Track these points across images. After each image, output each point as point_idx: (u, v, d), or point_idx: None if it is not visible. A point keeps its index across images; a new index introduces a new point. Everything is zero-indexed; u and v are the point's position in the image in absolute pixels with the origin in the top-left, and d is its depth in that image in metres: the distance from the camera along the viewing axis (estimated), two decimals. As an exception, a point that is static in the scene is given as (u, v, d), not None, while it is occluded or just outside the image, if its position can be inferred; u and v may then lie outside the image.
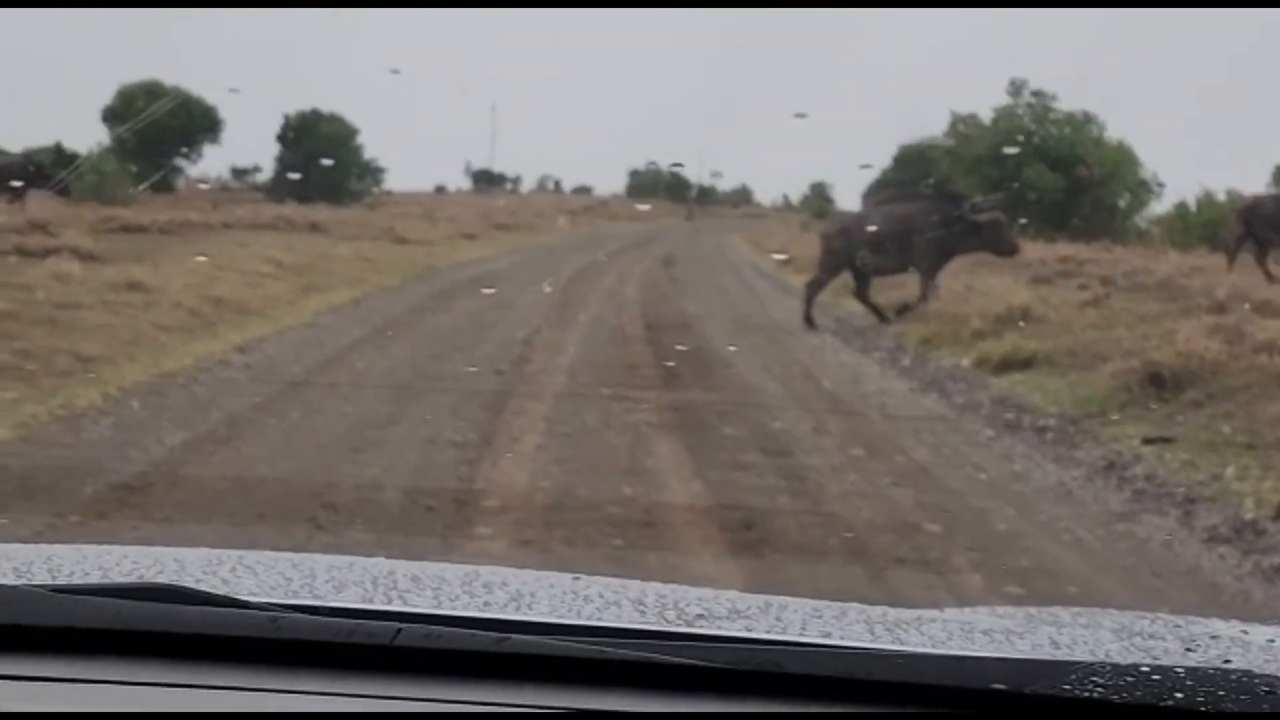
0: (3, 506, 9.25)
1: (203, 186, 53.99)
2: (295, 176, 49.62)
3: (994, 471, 11.88)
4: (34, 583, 2.02)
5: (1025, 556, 9.06)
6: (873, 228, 24.91)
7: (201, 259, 24.49)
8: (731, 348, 19.84)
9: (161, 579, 2.08)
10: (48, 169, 40.05)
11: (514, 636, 1.85)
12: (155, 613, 1.87)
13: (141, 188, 39.93)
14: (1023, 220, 40.97)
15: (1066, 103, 49.86)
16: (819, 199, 78.55)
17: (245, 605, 1.94)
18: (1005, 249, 26.10)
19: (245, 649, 1.85)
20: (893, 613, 2.21)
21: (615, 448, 12.08)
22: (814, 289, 24.70)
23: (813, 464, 11.74)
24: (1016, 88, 49.62)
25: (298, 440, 11.85)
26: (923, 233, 24.59)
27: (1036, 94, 49.61)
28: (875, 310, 24.57)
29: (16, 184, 38.49)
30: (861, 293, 25.05)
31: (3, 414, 12.05)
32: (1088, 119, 49.72)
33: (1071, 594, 8.10)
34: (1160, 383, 14.58)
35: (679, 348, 19.38)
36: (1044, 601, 6.53)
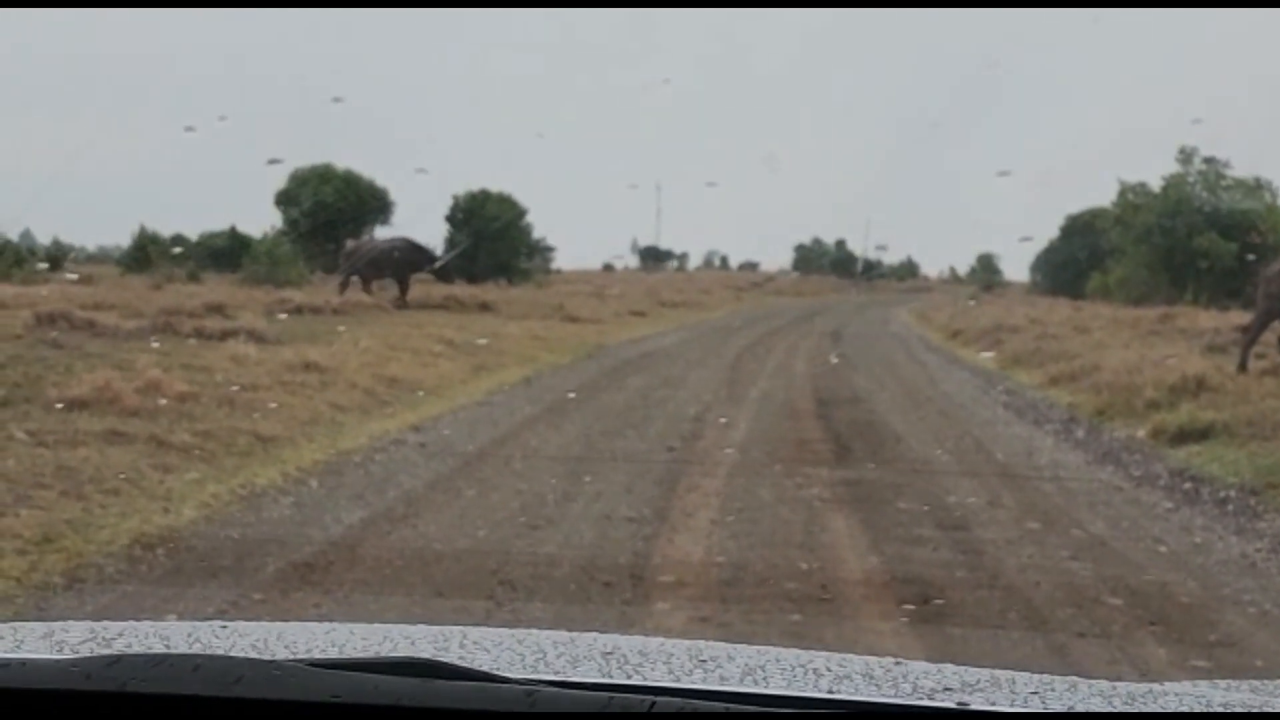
0: (189, 585, 9.42)
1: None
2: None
3: (1174, 544, 11.72)
4: (279, 658, 2.04)
5: (1210, 630, 8.93)
6: None
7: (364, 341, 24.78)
8: (902, 421, 19.76)
9: (395, 655, 2.10)
10: (423, 252, 40.50)
11: (768, 710, 1.85)
12: (414, 688, 1.87)
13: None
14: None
15: (1239, 169, 49.34)
16: (986, 271, 78.13)
17: (499, 679, 1.96)
18: None
19: None
20: (1122, 686, 2.20)
21: (789, 523, 12.06)
22: (1252, 335, 23.98)
23: (989, 537, 11.65)
24: (1187, 155, 49.16)
25: (473, 517, 11.94)
26: None
27: (1208, 161, 49.12)
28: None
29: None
30: (1252, 340, 24.16)
31: (187, 494, 12.28)
32: (1260, 185, 49.13)
33: (1259, 668, 7.97)
34: (1345, 452, 14.33)
35: (849, 422, 19.34)
36: (1230, 675, 6.43)
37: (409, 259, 39.20)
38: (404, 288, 38.75)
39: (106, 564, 9.89)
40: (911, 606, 9.24)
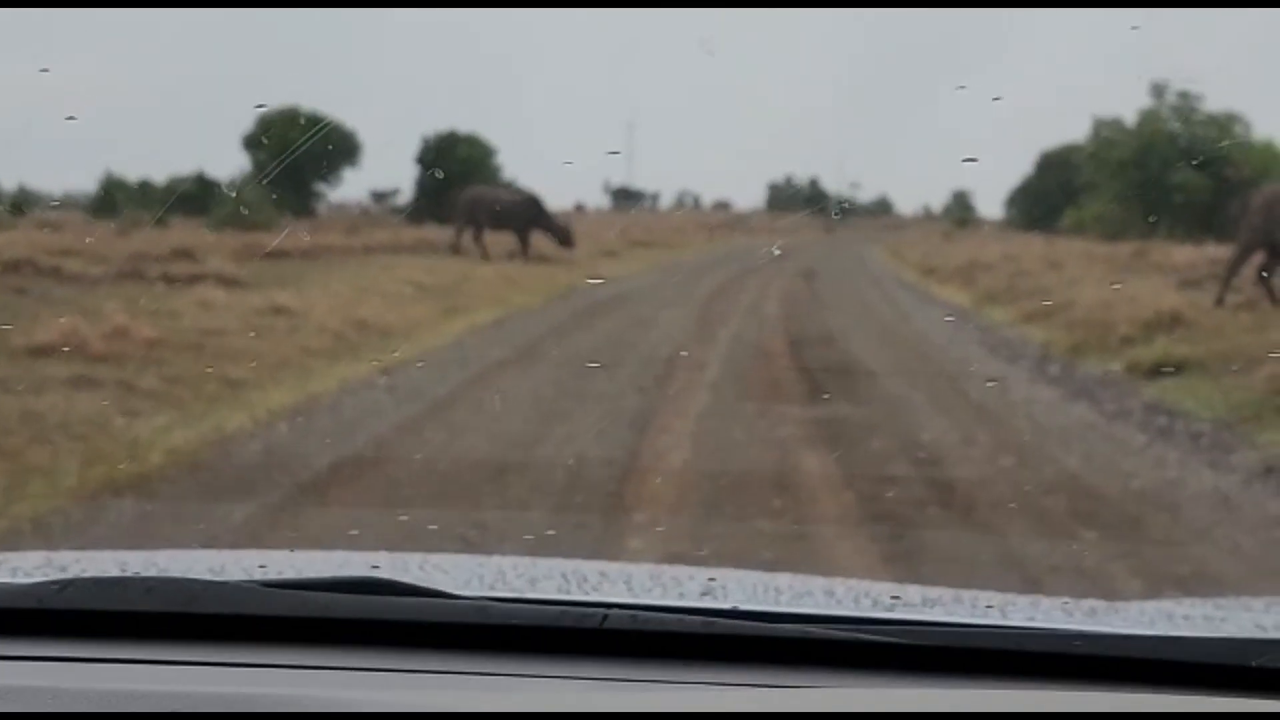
0: (157, 530, 9.35)
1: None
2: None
3: (1147, 477, 11.70)
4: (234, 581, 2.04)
5: (1183, 563, 8.91)
6: None
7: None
8: (876, 360, 19.72)
9: (349, 575, 2.09)
10: (541, 208, 39.68)
11: (720, 620, 1.86)
12: (367, 604, 1.90)
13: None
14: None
15: (1212, 103, 49.29)
16: (961, 208, 78.13)
17: (450, 596, 1.96)
18: None
19: (456, 636, 1.87)
20: (1084, 602, 2.19)
21: (761, 463, 12.01)
22: (1230, 269, 23.96)
23: (962, 475, 11.62)
24: (1159, 90, 49.08)
25: (442, 463, 11.87)
26: None
27: (1181, 95, 49.06)
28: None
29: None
30: (1269, 277, 23.78)
31: (155, 439, 12.18)
32: (1233, 119, 49.12)
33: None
34: (1318, 386, 14.31)
35: (822, 361, 19.29)
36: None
37: (529, 214, 38.70)
38: (525, 242, 38.30)
39: (74, 510, 9.81)
40: (883, 544, 9.21)
